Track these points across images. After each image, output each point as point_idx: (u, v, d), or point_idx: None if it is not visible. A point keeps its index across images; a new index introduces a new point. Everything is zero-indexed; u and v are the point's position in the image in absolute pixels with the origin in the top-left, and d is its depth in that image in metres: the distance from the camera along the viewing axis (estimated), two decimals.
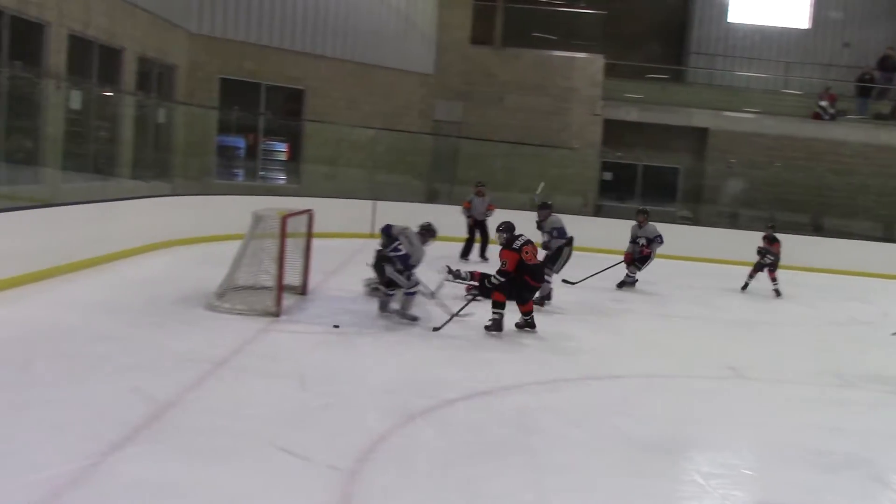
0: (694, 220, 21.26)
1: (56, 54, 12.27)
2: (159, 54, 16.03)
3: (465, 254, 15.00)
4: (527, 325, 9.05)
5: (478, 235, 15.30)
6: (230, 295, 9.13)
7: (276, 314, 8.64)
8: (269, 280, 9.17)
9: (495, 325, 8.76)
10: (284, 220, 8.91)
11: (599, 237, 17.25)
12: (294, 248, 9.54)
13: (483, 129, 20.87)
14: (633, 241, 13.09)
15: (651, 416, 6.47)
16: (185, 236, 13.11)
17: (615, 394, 7.14)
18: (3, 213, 9.22)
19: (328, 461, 4.92)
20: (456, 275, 10.80)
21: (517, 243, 8.91)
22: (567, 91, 21.52)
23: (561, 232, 10.98)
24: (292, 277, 9.59)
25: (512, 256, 8.79)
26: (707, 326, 10.96)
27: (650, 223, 13.08)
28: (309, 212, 10.21)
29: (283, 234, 8.87)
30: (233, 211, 12.25)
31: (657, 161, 22.13)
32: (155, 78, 16.27)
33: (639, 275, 13.11)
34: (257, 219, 9.40)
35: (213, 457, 4.86)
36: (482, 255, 15.06)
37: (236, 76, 18.07)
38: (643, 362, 8.31)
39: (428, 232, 9.39)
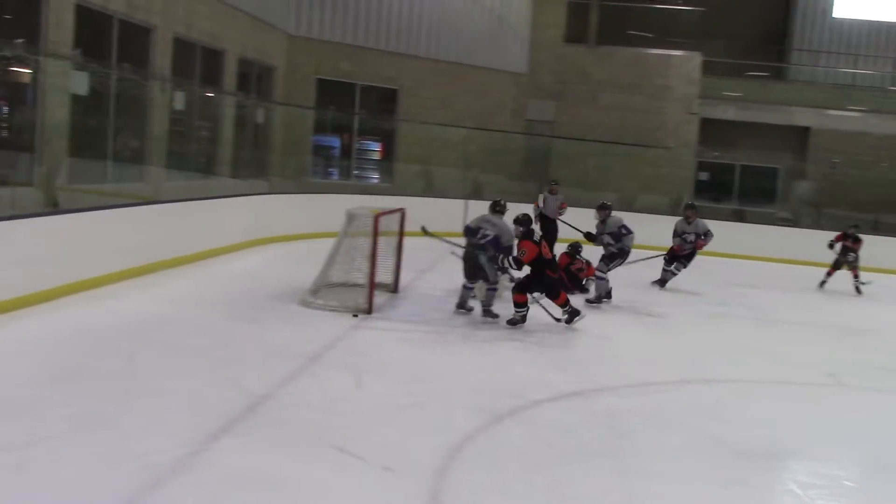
0: (794, 222, 20.62)
1: (161, 57, 12.74)
2: (259, 56, 16.46)
3: None
4: (571, 315, 8.97)
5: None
6: (323, 292, 9.31)
7: (368, 311, 8.78)
8: (361, 278, 9.32)
9: (521, 319, 8.80)
10: (377, 218, 9.04)
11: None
12: (386, 246, 9.67)
13: (576, 129, 20.71)
14: (680, 236, 12.40)
15: (746, 422, 6.32)
16: (281, 234, 13.44)
17: (709, 398, 6.98)
18: (109, 210, 9.63)
19: (416, 458, 4.98)
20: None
21: (536, 236, 8.90)
22: (663, 89, 21.18)
23: (628, 230, 10.84)
24: (384, 275, 9.72)
25: (532, 248, 8.72)
26: (807, 331, 10.62)
27: (699, 219, 12.44)
28: (401, 210, 10.32)
29: (376, 233, 9.00)
30: (327, 209, 12.47)
31: (756, 161, 21.56)
32: (254, 79, 16.73)
33: (684, 272, 12.49)
34: (351, 217, 9.56)
35: (304, 450, 4.98)
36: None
37: (332, 76, 18.43)
38: (738, 366, 8.11)
39: (500, 207, 9.38)
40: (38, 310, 7.68)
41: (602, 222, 11.01)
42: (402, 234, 10.29)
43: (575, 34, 21.74)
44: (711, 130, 21.35)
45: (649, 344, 8.79)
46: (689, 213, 12.52)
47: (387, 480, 4.66)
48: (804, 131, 21.94)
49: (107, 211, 9.51)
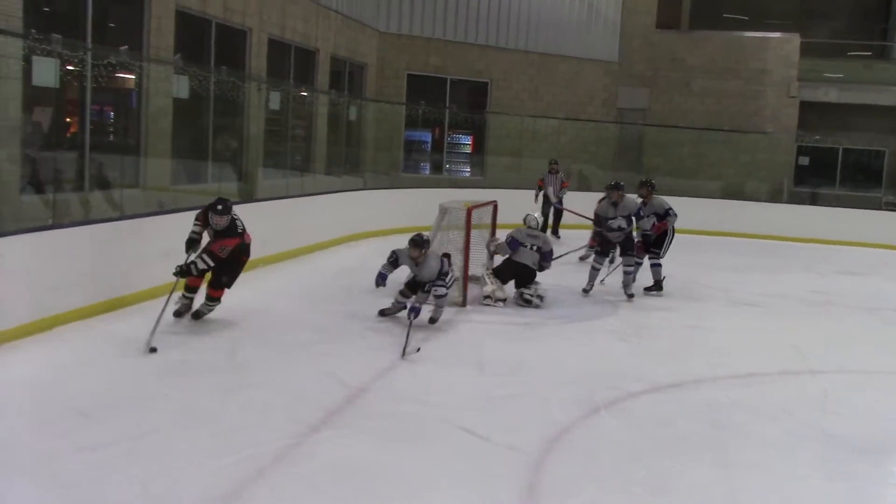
0: None
1: (257, 58, 13.06)
2: (350, 53, 16.70)
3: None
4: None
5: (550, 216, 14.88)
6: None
7: (462, 304, 8.82)
8: (455, 270, 9.35)
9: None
10: (469, 211, 9.07)
11: (795, 226, 16.42)
12: (479, 239, 9.69)
13: (669, 116, 20.33)
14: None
15: (854, 415, 6.10)
16: (375, 228, 13.60)
17: (814, 390, 6.76)
18: None
19: (513, 449, 4.99)
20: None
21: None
22: (760, 73, 20.57)
23: (673, 212, 10.41)
24: (477, 268, 9.73)
25: None
26: None
27: (657, 197, 10.66)
28: (493, 203, 10.32)
29: (469, 226, 9.04)
30: (420, 203, 12.59)
31: (859, 144, 20.71)
32: (346, 76, 16.98)
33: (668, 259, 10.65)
34: (443, 211, 9.62)
35: (401, 441, 5.05)
36: (555, 232, 14.63)
37: (423, 72, 18.55)
38: (845, 356, 7.83)
39: (532, 224, 9.66)
40: (145, 307, 7.97)
41: (645, 203, 10.41)
42: (494, 226, 10.29)
43: (667, 20, 21.32)
44: (812, 113, 20.63)
45: (749, 334, 8.55)
46: (644, 191, 10.61)
47: (482, 470, 4.68)
48: None
49: None
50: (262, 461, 4.59)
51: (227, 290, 7.59)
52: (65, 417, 5.08)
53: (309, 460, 4.69)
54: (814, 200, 19.37)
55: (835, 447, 5.37)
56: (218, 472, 4.44)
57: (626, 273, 9.85)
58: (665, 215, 10.39)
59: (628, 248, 9.94)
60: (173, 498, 4.13)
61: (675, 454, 5.10)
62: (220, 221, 7.24)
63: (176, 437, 4.92)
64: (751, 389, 6.65)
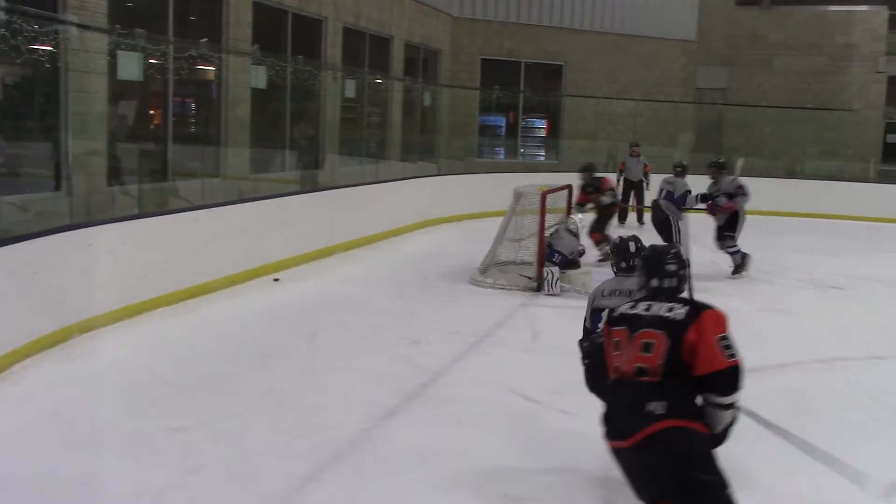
0: None
1: (332, 47, 13.20)
2: (424, 40, 16.74)
3: (621, 219, 13.56)
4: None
5: (632, 201, 14.50)
6: (492, 270, 9.41)
7: (538, 289, 8.80)
8: (529, 256, 9.35)
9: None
10: (544, 196, 9.04)
11: (884, 206, 15.85)
12: (554, 223, 9.64)
13: (750, 95, 19.85)
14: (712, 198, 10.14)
15: None
16: (450, 214, 13.66)
17: None
18: (288, 197, 10.11)
19: (590, 435, 4.96)
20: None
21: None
22: (846, 48, 19.91)
23: (746, 190, 9.90)
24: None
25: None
26: None
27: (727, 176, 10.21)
28: (568, 187, 10.26)
29: (543, 210, 9.00)
30: (494, 188, 12.58)
31: None
32: (420, 63, 17.04)
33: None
34: (518, 195, 9.61)
35: (477, 425, 5.08)
36: (639, 220, 14.18)
37: (496, 56, 18.49)
38: None
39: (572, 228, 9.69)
40: (227, 293, 8.19)
41: (714, 183, 10.10)
42: (569, 210, 10.23)
43: None
44: None
45: (835, 317, 8.31)
46: (713, 171, 10.28)
47: (562, 457, 4.68)
48: None
49: (286, 198, 9.99)
50: (341, 443, 4.68)
51: (305, 277, 7.71)
52: (152, 400, 5.26)
53: (387, 443, 4.76)
54: None
55: None
56: (298, 453, 4.55)
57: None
58: (734, 195, 9.94)
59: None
60: (256, 478, 4.25)
61: (755, 440, 4.99)
62: None
63: (258, 419, 5.05)
64: (835, 374, 6.47)
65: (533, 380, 6.00)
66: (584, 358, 4.23)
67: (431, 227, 13.13)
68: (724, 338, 3.19)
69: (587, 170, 10.86)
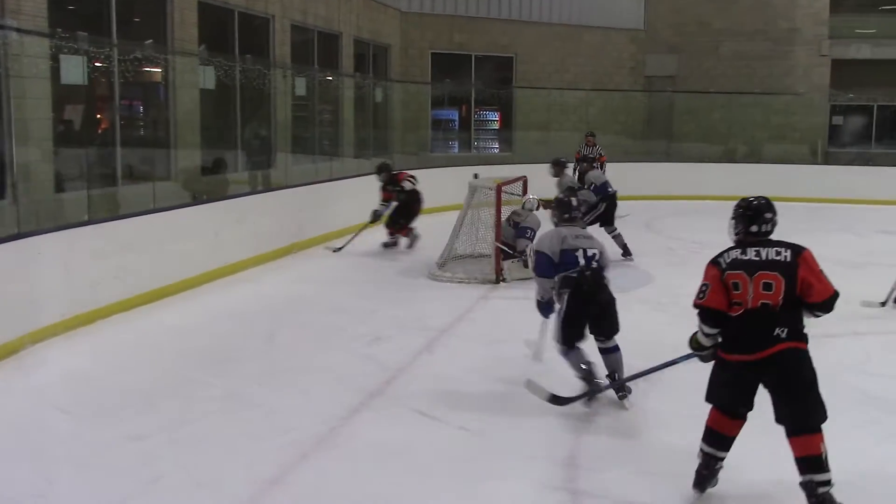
0: None
1: (281, 45, 13.08)
2: (373, 35, 16.67)
3: None
4: None
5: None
6: (450, 264, 9.41)
7: (496, 281, 8.82)
8: (486, 248, 9.36)
9: None
10: (499, 188, 9.05)
11: (831, 187, 16.15)
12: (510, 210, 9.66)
13: (698, 82, 20.06)
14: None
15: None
16: None
17: (857, 352, 6.65)
18: (243, 198, 10.00)
19: (553, 424, 4.99)
20: None
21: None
22: (790, 33, 20.19)
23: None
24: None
25: None
26: None
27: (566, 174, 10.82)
28: (523, 179, 10.28)
29: (499, 203, 9.02)
30: (449, 182, 12.57)
31: (895, 100, 20.27)
32: (370, 59, 16.96)
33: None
34: (473, 188, 9.61)
35: (441, 420, 5.07)
36: None
37: (447, 49, 18.48)
38: (889, 318, 7.70)
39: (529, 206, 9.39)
40: (183, 297, 8.08)
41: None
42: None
43: None
44: (844, 72, 20.20)
45: None
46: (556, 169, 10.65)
47: (525, 447, 4.69)
48: None
49: (240, 199, 9.89)
50: (305, 445, 4.64)
51: (262, 278, 7.65)
52: (109, 409, 5.17)
53: (351, 442, 4.73)
54: (849, 160, 19.01)
55: (877, 409, 5.31)
56: (262, 456, 4.50)
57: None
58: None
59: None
60: (219, 484, 4.20)
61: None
62: None
63: (218, 423, 4.99)
64: None
65: (496, 372, 6.00)
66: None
67: None
68: (822, 269, 4.05)
69: (383, 169, 10.93)
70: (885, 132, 20.39)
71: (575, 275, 5.29)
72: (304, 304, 8.00)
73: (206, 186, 10.86)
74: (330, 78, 14.92)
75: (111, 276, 7.27)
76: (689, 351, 4.39)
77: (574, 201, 5.78)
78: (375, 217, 10.60)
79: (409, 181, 10.87)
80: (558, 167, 10.64)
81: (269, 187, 11.70)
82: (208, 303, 8.01)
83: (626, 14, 20.31)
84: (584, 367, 5.32)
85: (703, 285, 4.15)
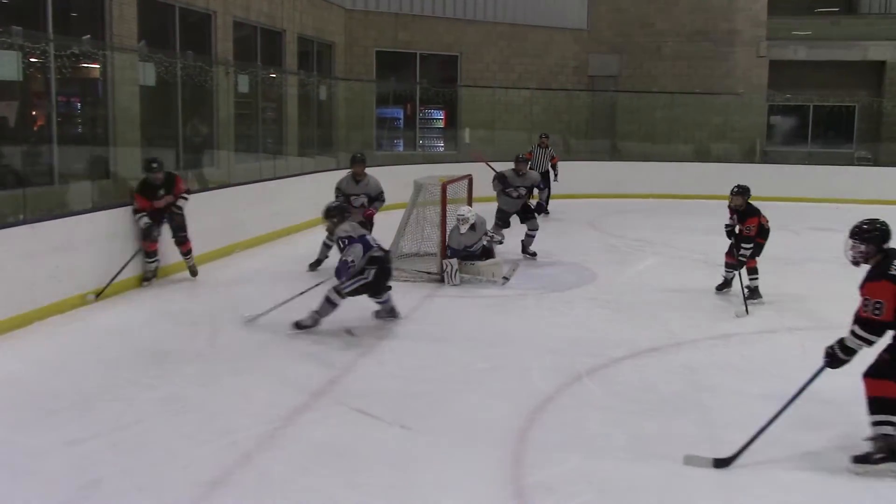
0: (873, 161, 19.91)
1: (223, 42, 12.91)
2: (317, 33, 16.55)
3: (537, 210, 13.69)
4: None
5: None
6: (396, 263, 9.37)
7: (441, 279, 8.83)
8: (432, 247, 9.37)
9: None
10: (444, 186, 9.06)
11: (768, 185, 16.46)
12: (455, 214, 9.67)
13: (641, 81, 20.34)
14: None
15: (831, 370, 6.14)
16: None
17: (792, 347, 6.81)
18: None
19: (497, 421, 5.02)
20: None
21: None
22: (729, 34, 20.56)
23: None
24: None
25: (754, 221, 8.33)
26: None
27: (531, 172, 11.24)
28: (468, 177, 10.31)
29: (444, 201, 9.03)
30: (394, 181, 12.53)
31: (830, 100, 20.77)
32: (314, 56, 16.83)
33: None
34: (419, 187, 9.60)
35: (385, 420, 5.06)
36: (545, 211, 14.22)
37: (391, 48, 18.43)
38: (824, 312, 7.83)
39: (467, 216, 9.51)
40: (123, 298, 7.94)
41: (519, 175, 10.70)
42: (470, 200, 10.28)
43: None
44: (782, 72, 20.67)
45: (730, 296, 8.59)
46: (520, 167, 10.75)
47: (469, 446, 4.71)
48: (880, 66, 21.09)
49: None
50: (247, 446, 4.59)
51: (204, 278, 7.55)
52: (45, 413, 5.05)
53: (295, 443, 4.69)
54: (786, 159, 19.46)
55: (812, 402, 5.43)
56: (203, 458, 4.44)
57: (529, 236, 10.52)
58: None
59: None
60: (160, 487, 4.13)
61: (657, 417, 5.15)
62: None
63: (160, 426, 4.91)
64: (730, 350, 6.72)
65: (439, 370, 6.02)
66: None
67: None
68: None
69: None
70: (821, 132, 20.91)
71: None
72: (246, 304, 7.89)
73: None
74: (273, 75, 14.77)
75: (48, 277, 7.10)
76: (823, 360, 4.90)
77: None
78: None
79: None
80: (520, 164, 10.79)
81: (211, 186, 11.52)
82: (148, 304, 7.87)
83: (569, 14, 20.49)
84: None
85: (877, 302, 4.51)
